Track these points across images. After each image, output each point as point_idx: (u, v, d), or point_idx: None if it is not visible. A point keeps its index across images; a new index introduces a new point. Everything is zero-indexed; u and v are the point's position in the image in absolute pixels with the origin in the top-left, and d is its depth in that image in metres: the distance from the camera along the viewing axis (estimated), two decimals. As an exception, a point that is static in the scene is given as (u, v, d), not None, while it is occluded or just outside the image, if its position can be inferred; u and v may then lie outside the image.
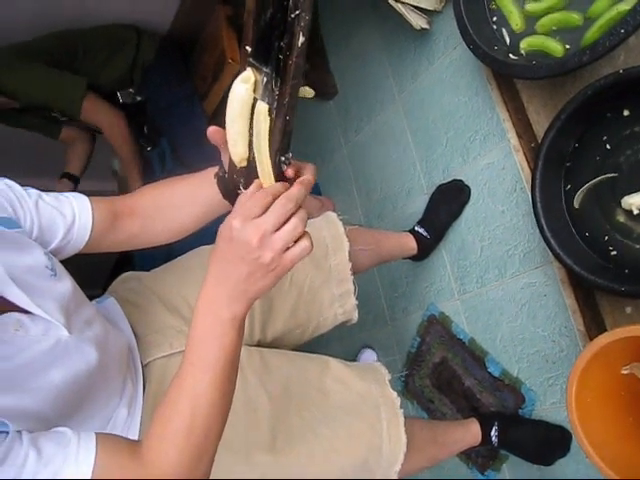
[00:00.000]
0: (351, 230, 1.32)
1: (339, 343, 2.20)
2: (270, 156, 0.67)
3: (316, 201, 1.90)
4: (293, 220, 0.64)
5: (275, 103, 0.64)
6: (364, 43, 2.01)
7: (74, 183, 2.32)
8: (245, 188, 0.74)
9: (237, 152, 0.71)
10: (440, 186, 1.72)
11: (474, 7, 1.41)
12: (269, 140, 0.67)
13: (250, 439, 1.02)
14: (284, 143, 0.67)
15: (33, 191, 0.90)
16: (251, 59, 0.66)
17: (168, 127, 2.22)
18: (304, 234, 0.66)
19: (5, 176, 0.88)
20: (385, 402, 1.15)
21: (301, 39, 0.59)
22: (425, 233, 1.69)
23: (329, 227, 1.30)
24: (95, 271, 0.85)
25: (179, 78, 2.27)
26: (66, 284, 0.87)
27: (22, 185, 0.89)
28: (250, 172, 0.73)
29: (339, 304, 1.27)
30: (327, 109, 2.25)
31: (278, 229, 0.63)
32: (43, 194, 0.91)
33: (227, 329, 0.68)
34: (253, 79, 0.65)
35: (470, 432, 1.49)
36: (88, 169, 2.41)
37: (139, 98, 2.30)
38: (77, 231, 0.91)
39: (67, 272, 0.90)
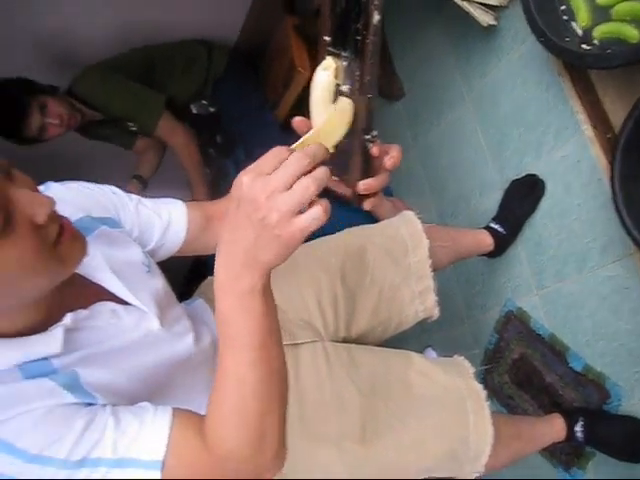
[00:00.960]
0: (428, 228, 1.34)
1: (415, 340, 2.21)
2: (355, 136, 0.69)
3: (389, 203, 1.93)
4: (305, 180, 0.56)
5: (357, 84, 0.67)
6: (430, 44, 2.02)
7: (143, 185, 2.44)
8: (333, 174, 0.74)
9: (325, 137, 0.70)
10: (514, 181, 1.71)
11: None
12: (354, 120, 0.68)
13: (341, 430, 1.06)
14: (368, 122, 0.68)
15: (134, 196, 0.98)
16: (330, 48, 0.70)
17: (242, 136, 2.30)
18: (319, 202, 0.58)
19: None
20: (470, 394, 1.16)
21: (376, 17, 0.62)
22: (501, 229, 1.68)
23: (407, 225, 1.32)
24: (171, 277, 0.92)
25: (250, 88, 2.35)
26: (159, 282, 0.94)
27: None
28: (338, 157, 0.74)
29: (419, 301, 1.29)
30: (395, 112, 2.27)
31: (288, 189, 0.56)
32: (143, 199, 0.98)
33: (249, 303, 0.63)
34: (334, 66, 0.68)
35: (554, 427, 1.47)
36: (161, 179, 2.52)
37: (212, 109, 2.40)
38: (172, 233, 0.98)
39: (160, 272, 0.97)
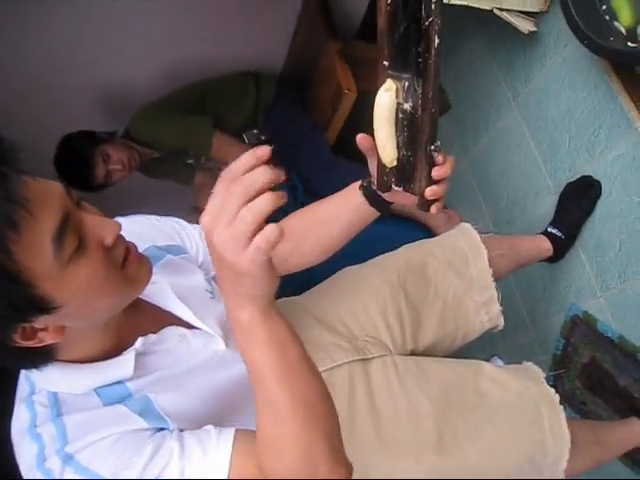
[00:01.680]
0: (486, 238, 1.35)
1: (480, 350, 2.20)
2: (421, 147, 0.75)
3: (443, 215, 1.94)
4: (242, 211, 0.55)
5: (419, 101, 0.72)
6: (472, 55, 2.04)
7: None
8: (397, 186, 0.83)
9: (387, 153, 0.79)
10: (568, 184, 1.70)
11: (582, 1, 1.40)
12: (420, 133, 0.74)
13: (418, 441, 1.08)
14: (432, 133, 0.74)
15: (197, 225, 1.03)
16: (389, 71, 0.75)
17: (295, 161, 2.35)
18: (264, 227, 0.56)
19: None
20: (543, 399, 1.16)
21: (437, 40, 0.67)
22: (559, 233, 1.67)
23: (465, 236, 1.34)
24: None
25: (299, 113, 2.40)
26: (222, 305, 0.97)
27: None
28: (401, 170, 0.81)
29: (484, 311, 1.30)
30: (442, 124, 2.29)
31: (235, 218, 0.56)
32: None
33: (253, 335, 0.64)
34: (394, 87, 0.74)
35: (632, 432, 1.44)
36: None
37: (263, 137, 2.46)
38: None
39: None
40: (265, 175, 0.56)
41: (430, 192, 0.77)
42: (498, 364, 2.04)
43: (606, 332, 1.63)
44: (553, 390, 1.19)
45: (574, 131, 1.67)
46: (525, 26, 1.66)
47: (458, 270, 1.29)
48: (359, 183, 0.94)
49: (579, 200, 1.65)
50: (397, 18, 0.71)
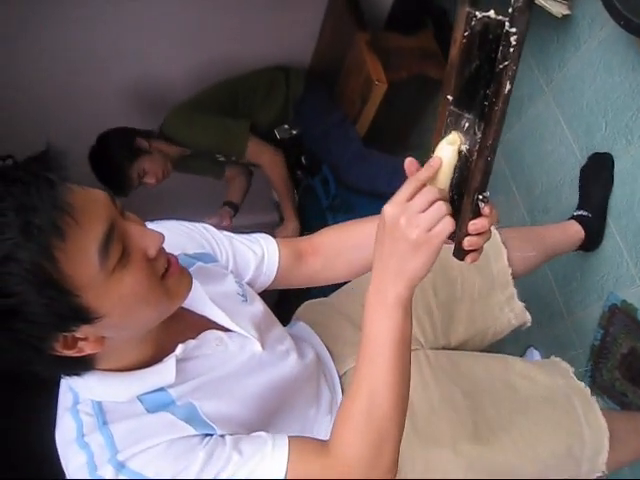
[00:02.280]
0: (512, 238, 1.35)
1: (514, 344, 2.17)
2: (468, 194, 0.72)
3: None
4: (437, 203, 0.69)
5: (477, 145, 0.69)
6: (504, 41, 2.00)
7: (234, 210, 2.55)
8: None
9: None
10: (582, 168, 1.71)
11: (618, -19, 1.36)
12: (471, 179, 0.71)
13: (454, 433, 1.08)
14: (484, 182, 0.71)
15: (227, 232, 1.03)
16: (452, 107, 0.72)
17: (326, 154, 2.35)
18: (448, 217, 0.69)
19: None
20: (575, 392, 1.16)
21: (507, 87, 0.64)
22: (585, 213, 1.65)
23: None
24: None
25: (329, 106, 2.40)
26: (257, 307, 0.98)
27: None
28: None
29: (508, 308, 1.31)
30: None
31: (424, 211, 0.69)
32: (235, 235, 1.04)
33: (392, 312, 0.73)
34: (459, 142, 0.71)
35: (676, 421, 1.40)
36: (249, 204, 2.63)
37: (294, 132, 2.47)
38: (266, 267, 1.02)
39: (259, 297, 1.02)
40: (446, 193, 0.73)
41: (468, 243, 0.74)
42: (534, 356, 2.02)
43: (646, 321, 1.59)
44: (583, 384, 1.19)
45: (610, 116, 1.63)
46: (558, 10, 1.63)
47: (481, 269, 1.30)
48: None
49: (596, 176, 1.65)
50: (471, 54, 0.68)
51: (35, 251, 0.58)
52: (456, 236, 0.76)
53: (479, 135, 0.69)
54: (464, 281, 1.29)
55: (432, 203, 0.69)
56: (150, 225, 0.95)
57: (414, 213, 0.69)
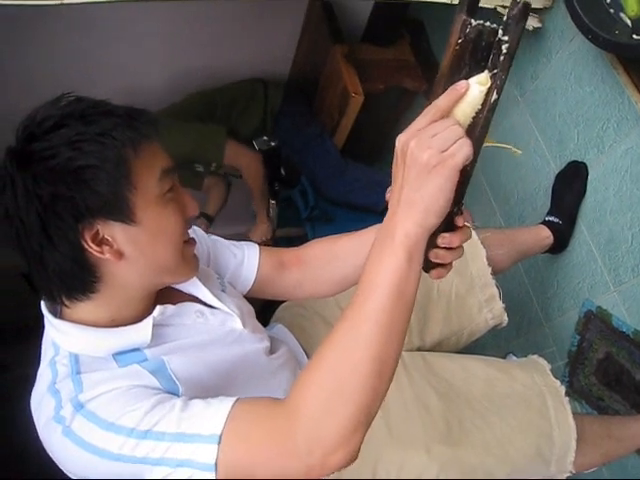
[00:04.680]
0: (485, 237, 1.36)
1: (494, 350, 2.19)
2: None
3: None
4: (452, 127, 0.62)
5: None
6: (478, 53, 2.04)
7: (209, 222, 2.53)
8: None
9: None
10: (557, 174, 1.74)
11: (586, -5, 1.40)
12: None
13: (427, 433, 1.09)
14: (460, 195, 0.67)
15: (213, 236, 1.06)
16: None
17: (304, 166, 2.37)
18: (465, 139, 0.62)
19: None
20: (549, 391, 1.18)
21: (494, 97, 0.63)
22: (556, 220, 1.69)
23: None
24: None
25: (307, 118, 2.42)
26: (239, 300, 1.01)
27: None
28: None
29: (487, 309, 1.32)
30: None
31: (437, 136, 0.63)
32: (220, 238, 1.07)
33: (396, 251, 0.64)
34: (489, 84, 0.64)
35: (648, 426, 1.43)
36: (229, 214, 2.63)
37: (273, 143, 2.48)
38: (244, 272, 1.04)
39: (241, 296, 1.04)
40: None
41: (435, 255, 0.71)
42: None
43: (621, 327, 1.62)
44: (558, 382, 1.21)
45: (582, 126, 1.67)
46: (530, 23, 1.67)
47: (458, 269, 1.30)
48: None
49: (569, 184, 1.69)
50: (462, 60, 0.66)
51: (129, 138, 0.73)
52: (425, 246, 0.71)
53: None
54: (441, 282, 1.29)
55: (447, 128, 0.63)
56: None
57: (427, 136, 0.62)
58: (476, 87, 0.64)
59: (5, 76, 2.16)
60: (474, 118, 0.64)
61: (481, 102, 0.64)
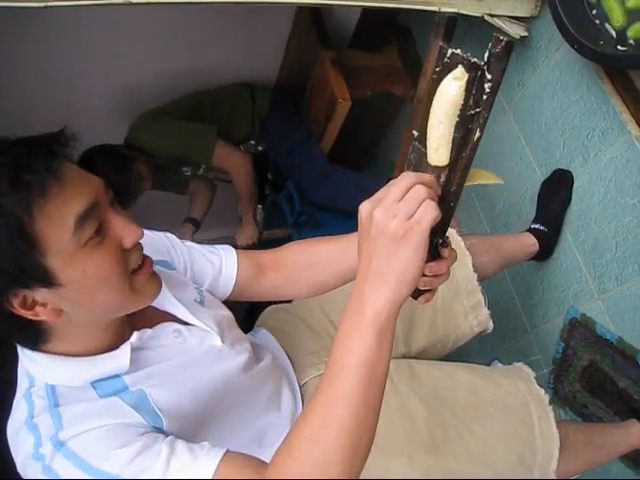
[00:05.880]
0: (471, 244, 1.36)
1: (479, 357, 2.20)
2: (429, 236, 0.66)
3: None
4: (415, 187, 0.61)
5: (440, 189, 0.65)
6: (465, 61, 2.05)
7: (195, 227, 2.52)
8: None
9: (439, 157, 0.65)
10: (543, 182, 1.76)
11: (572, 5, 1.41)
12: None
13: (410, 443, 1.08)
14: (444, 227, 0.67)
15: (188, 242, 1.05)
16: (417, 143, 0.67)
17: (291, 171, 2.36)
18: (429, 200, 0.61)
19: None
20: (533, 399, 1.18)
21: (477, 134, 0.61)
22: (541, 227, 1.70)
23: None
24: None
25: (294, 123, 2.41)
26: (218, 311, 0.99)
27: None
28: None
29: (473, 316, 1.32)
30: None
31: (401, 200, 0.61)
32: (197, 245, 1.05)
33: (366, 330, 0.62)
34: (466, 77, 0.60)
35: (631, 433, 1.43)
36: (215, 217, 2.61)
37: (260, 148, 2.48)
38: (223, 279, 1.03)
39: (222, 304, 1.03)
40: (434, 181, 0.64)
41: (423, 283, 0.70)
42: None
43: (605, 334, 1.63)
44: (543, 390, 1.20)
45: (568, 134, 1.68)
46: (516, 31, 1.68)
47: None
48: None
49: (555, 192, 1.71)
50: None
51: (17, 202, 0.62)
52: None
53: (443, 178, 0.65)
54: None
55: (410, 189, 0.61)
56: None
57: (390, 203, 0.61)
58: (454, 84, 0.60)
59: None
60: (459, 116, 0.61)
61: (462, 97, 0.60)
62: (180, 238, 2.37)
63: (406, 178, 0.62)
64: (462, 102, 0.60)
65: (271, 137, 2.40)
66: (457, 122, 0.61)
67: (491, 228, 2.10)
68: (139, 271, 0.76)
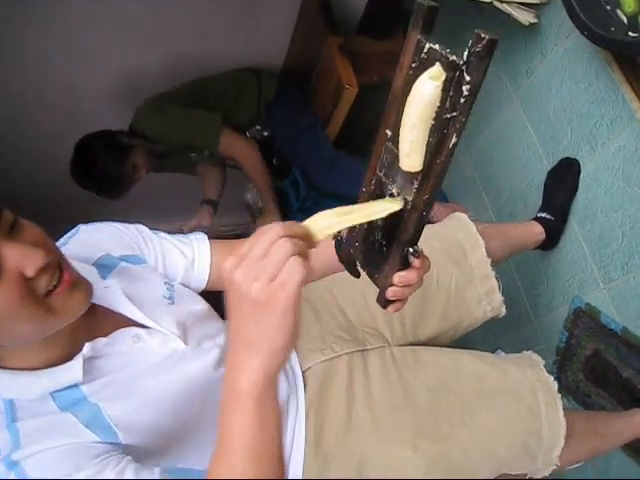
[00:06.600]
0: (482, 229, 1.35)
1: (482, 346, 2.20)
2: (398, 245, 0.66)
3: (446, 209, 1.94)
4: (279, 242, 0.55)
5: (412, 196, 0.62)
6: (473, 47, 2.03)
7: (213, 208, 2.51)
8: (363, 267, 0.74)
9: (411, 163, 0.60)
10: (549, 171, 1.75)
11: (583, -9, 1.39)
12: (403, 230, 0.64)
13: (415, 430, 1.08)
14: (416, 236, 0.65)
15: (161, 233, 1.02)
16: (390, 144, 0.64)
17: (297, 157, 2.35)
18: (295, 258, 0.55)
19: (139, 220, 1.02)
20: (542, 386, 1.17)
21: (453, 140, 0.56)
22: (548, 216, 1.70)
23: (462, 228, 1.34)
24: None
25: (300, 109, 2.40)
26: (187, 307, 0.96)
27: (157, 228, 1.01)
28: (370, 254, 0.71)
29: (486, 302, 1.31)
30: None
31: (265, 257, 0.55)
32: (169, 236, 1.02)
33: (244, 403, 0.59)
34: (444, 76, 0.55)
35: (634, 422, 1.44)
36: (222, 205, 2.61)
37: (266, 133, 2.47)
38: (197, 271, 1.00)
39: (198, 297, 1.00)
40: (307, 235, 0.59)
41: (392, 293, 0.69)
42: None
43: (609, 324, 1.63)
44: (552, 377, 1.19)
45: (576, 123, 1.66)
46: (525, 17, 1.66)
47: (458, 261, 1.29)
48: None
49: (561, 181, 1.70)
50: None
51: None
52: (380, 284, 0.71)
53: (415, 186, 0.61)
54: (440, 273, 1.27)
55: (274, 243, 0.55)
56: (83, 228, 0.95)
57: (251, 262, 0.55)
58: (430, 84, 0.55)
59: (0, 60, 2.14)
60: (435, 119, 0.56)
61: (439, 99, 0.55)
62: (199, 222, 2.37)
63: (271, 230, 0.56)
64: (438, 104, 0.56)
65: (277, 122, 2.39)
66: (432, 125, 0.57)
67: (497, 217, 2.09)
68: (54, 291, 0.71)
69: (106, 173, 2.12)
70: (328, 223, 0.61)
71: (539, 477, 1.19)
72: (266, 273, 0.54)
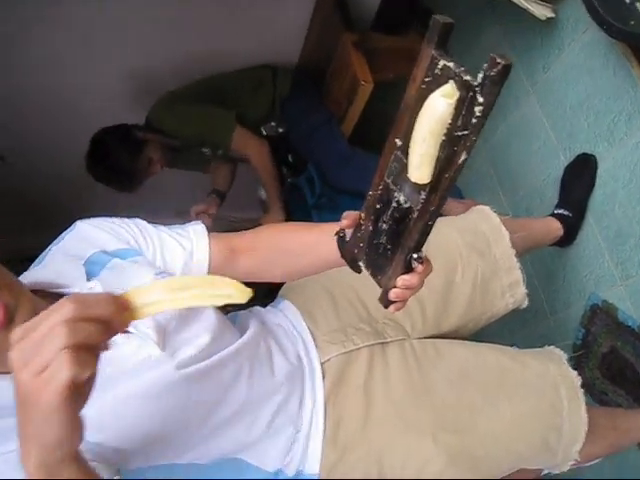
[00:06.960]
0: (503, 220, 1.34)
1: (499, 339, 2.19)
2: (402, 251, 0.67)
3: (461, 205, 1.94)
4: (55, 332, 0.50)
5: (419, 206, 0.64)
6: (488, 45, 2.02)
7: (221, 199, 2.53)
8: (366, 267, 0.76)
9: (420, 175, 0.62)
10: (566, 167, 1.74)
11: (601, -16, 1.38)
12: (408, 236, 0.66)
13: (436, 422, 1.08)
14: (419, 243, 0.67)
15: (160, 227, 1.01)
16: (399, 152, 0.65)
17: (312, 153, 2.36)
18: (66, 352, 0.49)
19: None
20: (564, 381, 1.16)
21: (463, 157, 0.58)
22: (566, 212, 1.69)
23: (485, 220, 1.33)
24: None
25: (315, 106, 2.40)
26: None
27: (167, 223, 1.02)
28: (374, 256, 0.73)
29: (510, 294, 1.30)
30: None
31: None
32: (167, 229, 1.00)
33: None
34: (457, 95, 0.56)
35: (652, 420, 1.43)
36: (234, 199, 2.62)
37: (281, 130, 2.47)
38: (195, 264, 0.98)
39: None
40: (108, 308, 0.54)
41: (394, 295, 0.72)
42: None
43: (626, 321, 1.62)
44: (575, 372, 1.18)
45: (593, 118, 1.65)
46: (542, 12, 1.65)
47: (482, 252, 1.28)
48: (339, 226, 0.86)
49: (579, 176, 1.69)
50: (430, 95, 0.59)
51: None
52: (383, 285, 0.73)
53: (423, 196, 0.63)
54: (466, 264, 1.26)
55: (53, 329, 0.50)
56: (79, 225, 0.95)
57: (28, 345, 0.50)
58: (442, 101, 0.56)
59: (9, 59, 2.17)
60: (446, 135, 0.57)
61: (451, 116, 0.56)
62: (205, 209, 2.39)
63: (60, 310, 0.51)
64: (450, 121, 0.57)
65: (292, 119, 2.39)
66: (443, 141, 0.58)
67: (513, 213, 2.08)
68: None
69: (119, 165, 2.16)
70: (156, 299, 0.57)
71: (557, 472, 1.19)
72: (34, 363, 0.50)
